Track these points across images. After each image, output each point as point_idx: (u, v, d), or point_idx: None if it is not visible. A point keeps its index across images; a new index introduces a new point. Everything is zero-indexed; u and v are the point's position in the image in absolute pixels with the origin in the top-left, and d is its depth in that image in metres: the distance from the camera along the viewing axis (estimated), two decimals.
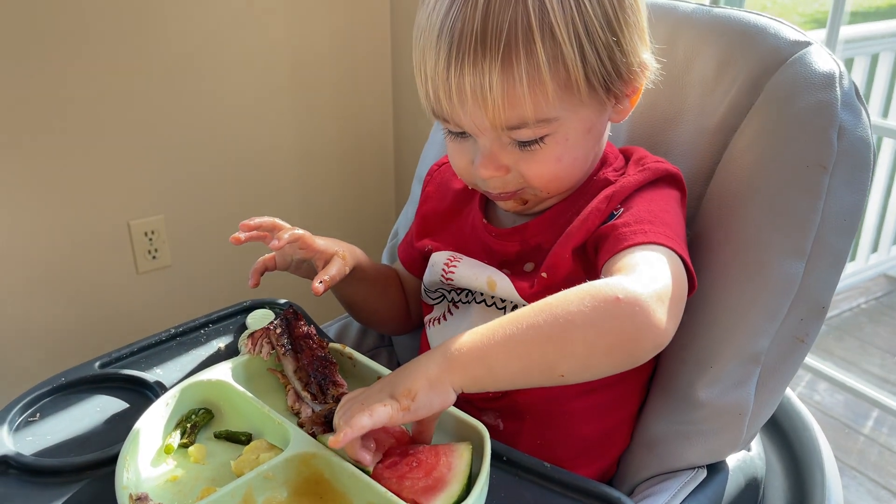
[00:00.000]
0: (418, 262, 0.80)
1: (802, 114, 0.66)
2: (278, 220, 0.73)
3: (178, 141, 1.52)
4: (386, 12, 1.69)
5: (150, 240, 1.59)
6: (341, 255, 0.72)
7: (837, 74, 0.66)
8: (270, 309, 0.80)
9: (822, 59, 0.67)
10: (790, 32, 0.70)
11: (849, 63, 2.17)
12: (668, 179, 0.67)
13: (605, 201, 0.65)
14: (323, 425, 0.57)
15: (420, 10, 0.63)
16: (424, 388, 0.51)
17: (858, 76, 2.18)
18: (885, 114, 2.31)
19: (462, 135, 0.65)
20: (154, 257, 1.60)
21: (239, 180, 1.63)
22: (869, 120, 0.68)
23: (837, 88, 0.66)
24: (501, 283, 0.69)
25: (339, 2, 1.62)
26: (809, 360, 1.43)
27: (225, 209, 1.62)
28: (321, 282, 0.68)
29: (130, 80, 1.42)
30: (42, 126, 1.37)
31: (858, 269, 2.46)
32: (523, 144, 0.63)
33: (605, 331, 0.53)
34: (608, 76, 0.62)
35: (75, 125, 1.40)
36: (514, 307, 0.69)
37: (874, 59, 2.20)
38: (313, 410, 0.59)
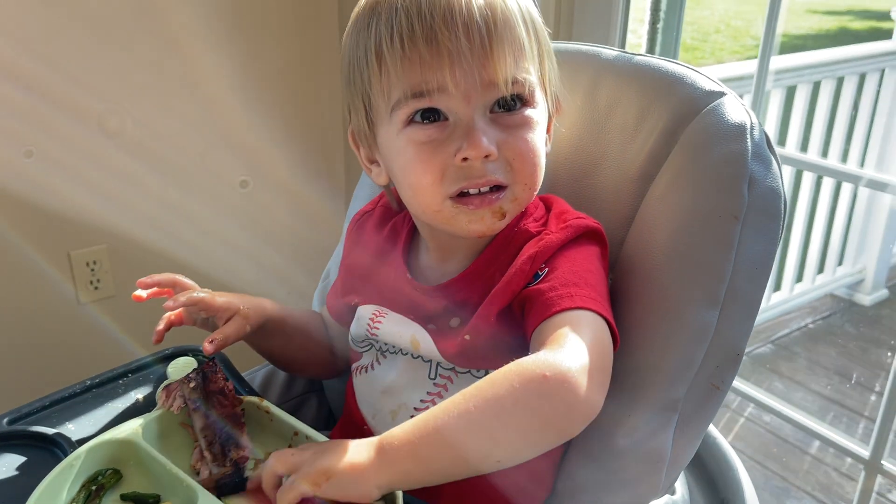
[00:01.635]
0: (346, 315, 0.79)
1: (715, 164, 0.67)
2: (179, 277, 0.72)
3: (120, 169, 1.49)
4: (335, 42, 1.69)
5: (93, 270, 1.55)
6: (243, 313, 0.71)
7: (748, 125, 0.68)
8: (194, 356, 0.78)
9: (734, 110, 0.69)
10: (706, 82, 0.72)
11: (791, 91, 2.22)
12: (589, 235, 0.67)
13: (528, 262, 0.64)
14: (215, 489, 0.56)
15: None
16: (343, 475, 0.51)
17: (800, 105, 2.24)
18: (825, 149, 2.35)
19: (436, 119, 0.63)
20: (96, 287, 1.57)
21: (183, 209, 1.60)
22: (780, 169, 0.69)
23: (748, 139, 0.67)
24: (424, 343, 0.69)
25: (287, 31, 1.61)
26: (750, 388, 1.45)
27: (169, 238, 1.59)
28: (212, 341, 0.67)
29: (72, 105, 1.39)
30: None
31: (805, 290, 2.52)
32: (505, 110, 0.63)
33: (536, 411, 0.53)
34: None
35: (14, 151, 1.36)
36: (438, 364, 0.69)
37: (816, 87, 2.27)
38: (211, 472, 0.58)
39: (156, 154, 1.53)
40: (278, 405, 0.87)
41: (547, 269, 0.64)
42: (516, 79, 0.62)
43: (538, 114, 0.66)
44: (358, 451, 0.53)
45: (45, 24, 1.33)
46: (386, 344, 0.73)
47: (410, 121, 0.63)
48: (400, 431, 0.53)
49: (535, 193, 0.68)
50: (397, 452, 0.52)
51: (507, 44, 0.61)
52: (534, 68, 0.64)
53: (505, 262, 0.66)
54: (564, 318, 0.59)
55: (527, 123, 0.64)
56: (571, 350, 0.55)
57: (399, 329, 0.71)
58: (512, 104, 0.64)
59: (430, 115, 0.63)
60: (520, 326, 0.64)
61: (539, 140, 0.66)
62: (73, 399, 0.73)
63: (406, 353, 0.71)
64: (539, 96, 0.66)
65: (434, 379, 0.69)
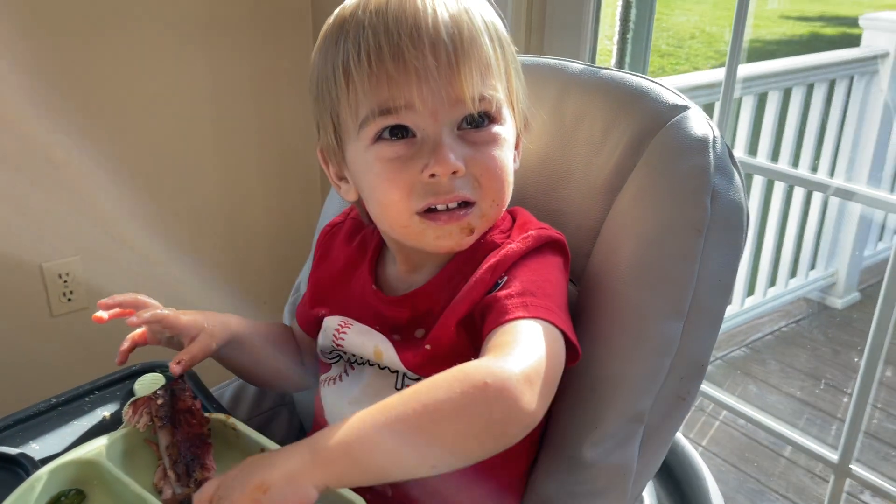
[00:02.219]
0: (314, 327, 0.79)
1: (678, 177, 0.68)
2: (140, 297, 0.71)
3: (93, 179, 1.48)
4: (307, 46, 1.68)
5: (66, 282, 1.53)
6: (208, 331, 0.71)
7: (711, 139, 0.69)
8: (162, 373, 0.78)
9: (697, 124, 0.70)
10: (670, 96, 0.72)
11: (763, 97, 2.26)
12: (551, 245, 0.68)
13: (489, 271, 0.65)
14: None
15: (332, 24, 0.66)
16: (279, 484, 0.49)
17: (771, 111, 2.27)
18: (797, 155, 2.38)
19: (404, 136, 0.63)
20: (69, 299, 1.55)
21: (157, 219, 1.59)
22: (742, 183, 0.70)
23: (711, 153, 0.68)
24: (387, 353, 0.69)
25: (257, 37, 1.60)
26: (723, 395, 1.47)
27: (143, 249, 1.57)
28: (179, 362, 0.67)
29: (41, 115, 1.38)
30: None
31: (779, 294, 2.55)
32: (473, 126, 0.64)
33: (474, 419, 0.52)
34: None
35: None
36: (404, 375, 0.69)
37: (786, 94, 2.30)
38: (174, 492, 0.58)
39: (129, 164, 1.51)
40: (249, 420, 0.88)
41: (506, 278, 0.64)
42: (483, 96, 0.63)
43: (506, 130, 0.66)
44: (289, 456, 0.51)
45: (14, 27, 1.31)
46: (353, 355, 0.74)
47: (378, 137, 0.64)
48: (335, 432, 0.51)
49: (504, 209, 0.68)
50: (331, 453, 0.50)
51: (473, 61, 0.62)
52: (501, 85, 0.65)
53: (469, 273, 0.66)
54: (516, 327, 0.59)
55: (494, 140, 0.65)
56: (516, 358, 0.55)
57: (363, 339, 0.71)
58: (479, 121, 0.64)
59: (398, 132, 0.63)
60: (481, 337, 0.64)
61: (507, 156, 0.66)
62: (37, 417, 0.72)
63: (373, 365, 0.72)
64: (507, 113, 0.67)
65: (401, 390, 0.69)
